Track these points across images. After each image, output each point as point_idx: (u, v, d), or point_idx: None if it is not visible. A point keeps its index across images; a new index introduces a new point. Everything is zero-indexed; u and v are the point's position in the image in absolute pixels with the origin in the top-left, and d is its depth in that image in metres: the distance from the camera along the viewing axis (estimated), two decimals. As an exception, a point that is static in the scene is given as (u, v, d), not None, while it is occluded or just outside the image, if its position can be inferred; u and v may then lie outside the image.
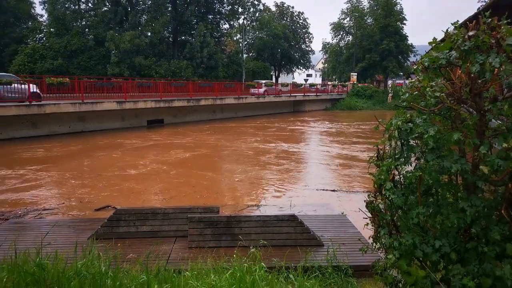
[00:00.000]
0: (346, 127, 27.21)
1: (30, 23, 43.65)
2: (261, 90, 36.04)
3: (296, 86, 44.48)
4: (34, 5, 43.96)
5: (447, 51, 2.81)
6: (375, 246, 3.47)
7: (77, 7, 41.50)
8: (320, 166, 13.74)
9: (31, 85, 18.78)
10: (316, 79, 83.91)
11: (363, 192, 9.92)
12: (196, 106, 27.78)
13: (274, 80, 56.71)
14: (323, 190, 10.16)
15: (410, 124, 2.86)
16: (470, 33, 2.64)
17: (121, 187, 10.30)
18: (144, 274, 3.06)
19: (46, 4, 39.65)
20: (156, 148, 16.74)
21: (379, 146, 3.41)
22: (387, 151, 3.40)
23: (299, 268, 4.27)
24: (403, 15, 53.19)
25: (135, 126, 24.30)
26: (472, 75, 2.53)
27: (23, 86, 18.34)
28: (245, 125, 26.73)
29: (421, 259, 2.91)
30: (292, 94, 39.63)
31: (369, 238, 3.58)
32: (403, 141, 3.12)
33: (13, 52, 37.79)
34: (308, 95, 41.71)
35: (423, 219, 2.76)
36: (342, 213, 7.54)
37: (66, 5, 40.04)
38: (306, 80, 55.99)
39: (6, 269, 2.66)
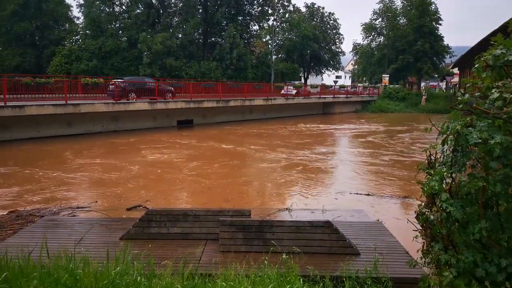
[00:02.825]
0: (379, 130, 26.44)
1: (67, 25, 45.41)
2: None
3: (325, 88, 43.86)
4: (71, 8, 45.75)
5: (516, 47, 2.51)
6: (424, 261, 3.17)
7: (111, 9, 42.75)
8: (352, 169, 13.33)
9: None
10: (346, 81, 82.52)
11: (397, 198, 9.52)
12: (225, 107, 27.83)
13: (302, 81, 56.19)
14: (356, 193, 9.82)
15: (470, 128, 2.57)
16: (545, 27, 2.34)
17: (153, 188, 10.35)
18: (178, 283, 2.92)
19: (82, 7, 41.12)
20: (188, 148, 16.83)
21: (430, 151, 3.12)
22: (439, 157, 3.11)
23: (345, 278, 4.02)
24: (438, 15, 51.26)
25: (165, 126, 24.63)
26: (552, 74, 2.24)
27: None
28: (274, 127, 26.52)
29: (480, 279, 2.62)
30: (321, 96, 39.09)
31: (418, 252, 3.29)
32: (459, 147, 2.83)
33: (51, 53, 39.38)
34: (338, 97, 40.95)
35: (485, 235, 2.46)
36: (378, 220, 7.19)
37: (101, 8, 41.38)
38: (335, 82, 55.01)
39: (38, 277, 2.58)
